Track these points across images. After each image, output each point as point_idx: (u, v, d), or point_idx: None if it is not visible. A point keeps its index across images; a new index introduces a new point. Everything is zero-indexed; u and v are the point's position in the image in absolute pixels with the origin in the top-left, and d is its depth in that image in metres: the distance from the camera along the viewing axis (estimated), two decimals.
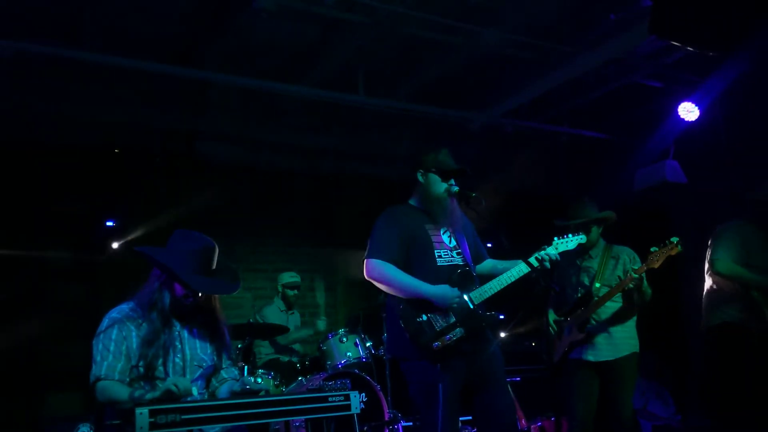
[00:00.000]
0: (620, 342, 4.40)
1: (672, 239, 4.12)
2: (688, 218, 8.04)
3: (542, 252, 3.55)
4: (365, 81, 6.24)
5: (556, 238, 3.67)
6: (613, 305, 4.43)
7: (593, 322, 4.42)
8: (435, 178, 3.66)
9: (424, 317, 3.39)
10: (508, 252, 3.76)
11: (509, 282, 3.50)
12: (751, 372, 4.44)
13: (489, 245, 4.12)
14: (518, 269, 3.52)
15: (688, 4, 3.56)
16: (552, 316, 4.59)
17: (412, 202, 3.80)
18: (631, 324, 4.46)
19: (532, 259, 3.50)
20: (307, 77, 6.21)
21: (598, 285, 4.44)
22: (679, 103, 6.28)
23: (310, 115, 7.04)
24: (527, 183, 7.95)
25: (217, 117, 6.76)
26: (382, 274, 3.48)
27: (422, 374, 3.37)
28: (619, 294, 4.39)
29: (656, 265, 4.13)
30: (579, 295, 4.53)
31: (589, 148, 7.88)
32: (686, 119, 6.24)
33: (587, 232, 4.38)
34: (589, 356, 4.38)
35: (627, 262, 4.47)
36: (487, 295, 3.49)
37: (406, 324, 3.41)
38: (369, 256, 3.53)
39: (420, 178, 3.70)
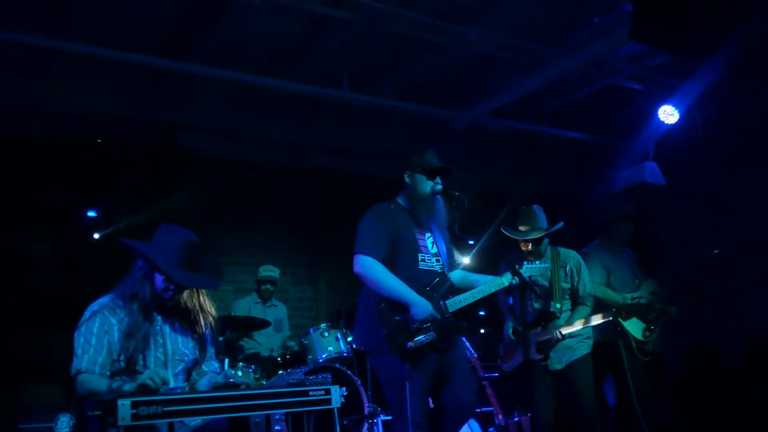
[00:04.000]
0: (576, 346, 4.52)
1: (671, 309, 4.52)
2: (665, 219, 8.17)
3: (514, 276, 3.71)
4: (351, 77, 6.26)
5: (526, 263, 3.93)
6: (567, 315, 4.57)
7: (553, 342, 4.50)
8: (421, 178, 3.77)
9: (402, 317, 3.52)
10: (487, 249, 3.91)
11: (483, 296, 3.74)
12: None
13: (471, 242, 4.24)
14: (493, 285, 3.74)
15: (667, 10, 3.63)
16: (511, 323, 4.71)
17: (400, 200, 3.88)
18: (586, 329, 4.57)
19: (506, 280, 3.73)
20: (292, 72, 6.21)
21: (558, 306, 4.53)
22: (660, 106, 6.36)
23: (295, 110, 7.04)
24: (509, 182, 8.02)
25: (201, 110, 6.73)
26: (372, 271, 3.56)
27: (393, 369, 3.49)
28: (569, 302, 4.55)
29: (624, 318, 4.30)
30: (536, 307, 4.60)
31: (570, 149, 7.97)
32: (666, 122, 6.32)
33: (539, 243, 4.49)
34: (552, 365, 4.49)
35: (574, 273, 4.58)
36: (461, 305, 3.69)
37: (383, 321, 3.53)
38: (360, 252, 3.60)
39: (407, 179, 3.81)
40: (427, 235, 3.80)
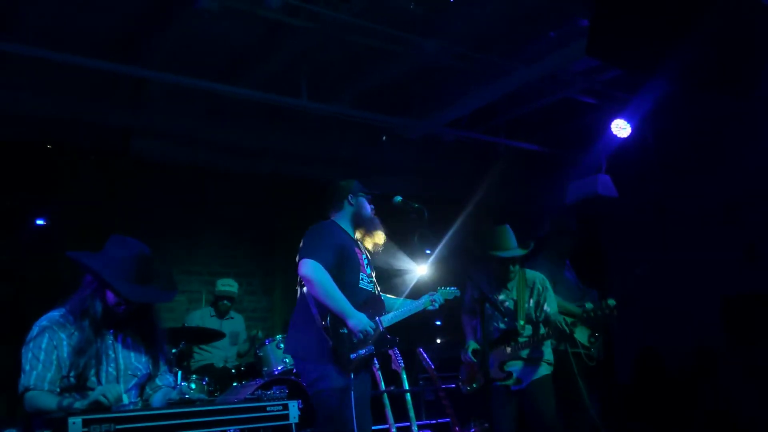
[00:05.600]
0: (538, 366, 4.56)
1: (609, 301, 4.34)
2: (615, 230, 8.36)
3: (435, 296, 4.21)
4: (308, 85, 6.23)
5: (440, 288, 4.32)
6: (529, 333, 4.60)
7: (518, 360, 4.54)
8: (364, 202, 4.05)
9: (346, 330, 3.66)
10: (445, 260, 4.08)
11: (411, 315, 4.11)
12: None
13: (428, 252, 4.31)
14: (419, 306, 4.16)
15: (622, 27, 3.72)
16: (471, 344, 4.72)
17: (340, 222, 4.01)
18: (547, 349, 4.63)
19: (427, 302, 4.18)
20: (249, 78, 6.15)
21: (522, 323, 4.57)
22: (612, 120, 6.51)
23: (251, 116, 6.97)
24: (463, 192, 8.07)
25: (155, 114, 6.62)
26: (320, 276, 3.62)
27: (334, 381, 3.60)
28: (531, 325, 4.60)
29: (588, 326, 4.33)
30: (499, 327, 4.65)
31: (524, 160, 8.07)
32: (619, 136, 6.47)
33: (508, 266, 4.55)
34: (514, 385, 4.53)
35: (540, 292, 4.64)
36: (394, 322, 3.96)
37: (330, 333, 3.62)
38: (309, 256, 3.65)
39: (350, 203, 4.02)
40: (364, 256, 4.00)
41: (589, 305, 4.46)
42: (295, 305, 3.87)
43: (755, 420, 6.61)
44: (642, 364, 7.74)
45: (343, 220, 4.01)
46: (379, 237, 4.07)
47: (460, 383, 4.87)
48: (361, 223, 4.05)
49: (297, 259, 3.73)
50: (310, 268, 3.62)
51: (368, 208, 4.07)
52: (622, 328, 7.80)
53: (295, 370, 5.21)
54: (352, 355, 3.62)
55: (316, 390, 3.65)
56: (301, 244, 3.77)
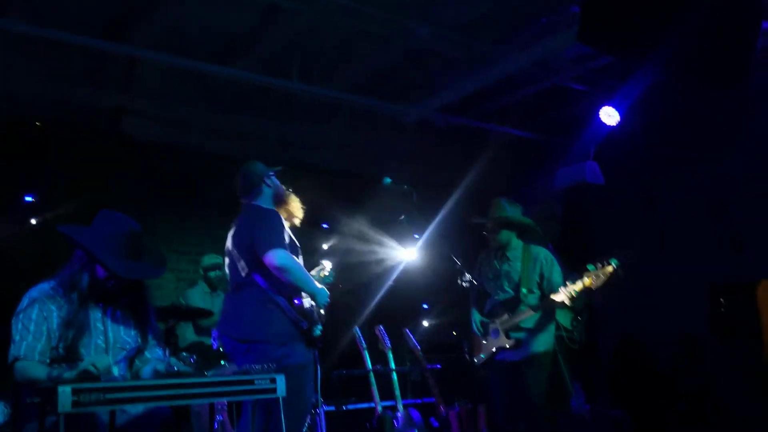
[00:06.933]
0: (540, 339, 4.60)
1: (612, 261, 4.25)
2: (601, 218, 8.42)
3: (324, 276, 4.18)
4: (300, 68, 6.23)
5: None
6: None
7: (521, 329, 4.59)
8: (276, 179, 4.12)
9: (308, 307, 3.81)
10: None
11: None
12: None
13: (416, 236, 4.38)
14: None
15: (612, 14, 3.75)
16: (477, 317, 4.76)
17: (264, 205, 4.03)
18: (551, 325, 4.68)
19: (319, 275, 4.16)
20: (241, 61, 6.15)
21: (525, 291, 4.61)
22: (601, 107, 6.54)
23: (242, 99, 6.96)
24: (454, 177, 8.11)
25: (146, 95, 6.60)
26: (292, 264, 3.71)
27: (300, 358, 3.74)
28: (538, 293, 4.62)
29: (593, 287, 4.29)
30: (501, 297, 4.70)
31: (514, 146, 8.12)
32: (607, 123, 6.51)
33: (496, 233, 4.60)
34: (513, 357, 4.58)
35: (544, 265, 4.67)
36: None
37: (301, 314, 3.76)
38: (275, 246, 3.70)
39: (268, 184, 4.07)
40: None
41: (570, 281, 4.45)
42: (235, 293, 3.90)
43: (737, 407, 6.71)
44: (624, 351, 7.83)
45: (266, 202, 4.05)
46: (298, 210, 4.14)
47: (467, 356, 4.93)
48: (281, 200, 4.11)
49: (260, 251, 3.71)
50: (282, 257, 3.67)
51: (280, 184, 4.13)
52: (606, 315, 7.91)
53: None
54: (317, 331, 3.79)
55: (282, 367, 3.67)
56: (253, 235, 3.79)
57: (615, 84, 6.72)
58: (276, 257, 3.66)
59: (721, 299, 7.18)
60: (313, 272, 4.09)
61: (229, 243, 4.01)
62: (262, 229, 3.79)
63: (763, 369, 6.84)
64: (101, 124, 6.65)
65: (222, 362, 5.42)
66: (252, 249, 3.78)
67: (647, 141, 7.30)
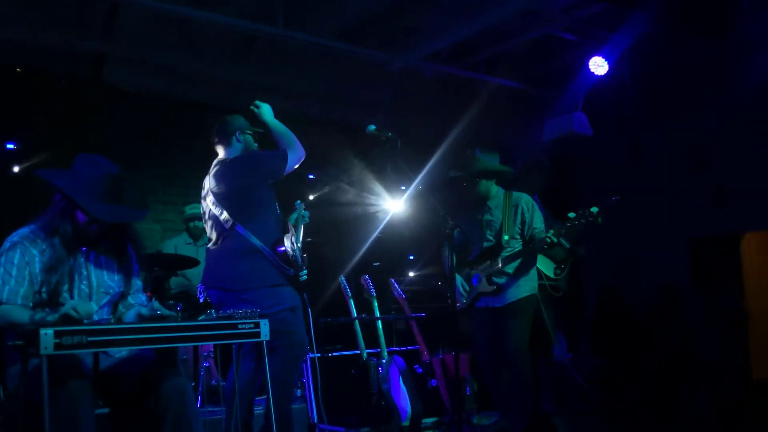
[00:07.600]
0: (522, 285, 4.63)
1: (592, 209, 4.20)
2: (588, 169, 8.44)
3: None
4: (285, 13, 6.11)
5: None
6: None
7: (503, 274, 4.61)
8: (250, 140, 4.14)
9: (282, 249, 3.87)
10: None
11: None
12: None
13: (403, 187, 4.35)
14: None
15: None
16: (455, 260, 4.77)
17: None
18: (532, 271, 4.70)
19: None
20: (224, 6, 6.01)
21: (506, 237, 4.61)
22: (590, 57, 6.49)
23: (227, 46, 6.83)
24: (441, 128, 8.07)
25: (127, 41, 6.43)
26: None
27: (290, 301, 3.86)
28: (520, 240, 4.64)
29: (573, 233, 4.30)
30: (484, 246, 4.71)
31: (503, 97, 8.05)
32: (596, 73, 6.47)
33: (474, 185, 4.60)
34: (496, 303, 4.61)
35: (525, 211, 4.66)
36: None
37: (279, 259, 3.83)
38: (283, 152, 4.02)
39: (238, 139, 4.08)
40: None
41: (551, 231, 4.45)
42: (217, 245, 3.93)
43: (715, 356, 6.86)
44: (606, 301, 7.95)
45: (234, 155, 4.06)
46: None
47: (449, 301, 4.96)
48: None
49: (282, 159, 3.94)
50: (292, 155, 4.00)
51: (255, 147, 4.14)
52: (589, 266, 8.00)
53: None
54: (303, 277, 3.88)
55: (272, 313, 3.67)
56: (257, 170, 3.95)
57: (605, 34, 6.65)
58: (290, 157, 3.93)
59: (703, 251, 7.28)
60: (292, 218, 4.11)
61: (208, 201, 3.99)
62: (261, 160, 4.02)
63: (742, 318, 6.98)
64: (83, 72, 6.51)
65: (210, 311, 5.44)
66: (234, 198, 3.83)
67: (635, 93, 7.28)
